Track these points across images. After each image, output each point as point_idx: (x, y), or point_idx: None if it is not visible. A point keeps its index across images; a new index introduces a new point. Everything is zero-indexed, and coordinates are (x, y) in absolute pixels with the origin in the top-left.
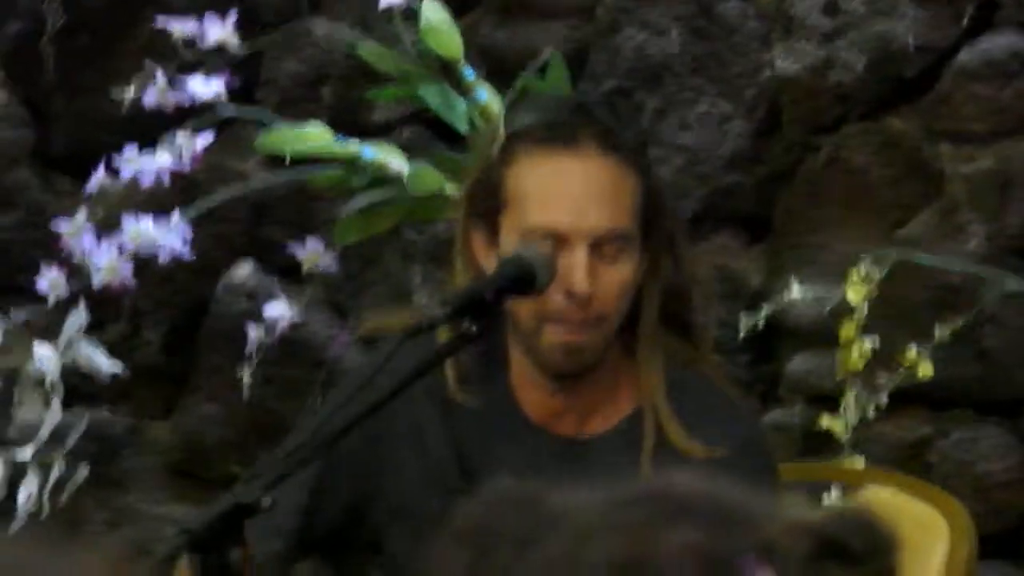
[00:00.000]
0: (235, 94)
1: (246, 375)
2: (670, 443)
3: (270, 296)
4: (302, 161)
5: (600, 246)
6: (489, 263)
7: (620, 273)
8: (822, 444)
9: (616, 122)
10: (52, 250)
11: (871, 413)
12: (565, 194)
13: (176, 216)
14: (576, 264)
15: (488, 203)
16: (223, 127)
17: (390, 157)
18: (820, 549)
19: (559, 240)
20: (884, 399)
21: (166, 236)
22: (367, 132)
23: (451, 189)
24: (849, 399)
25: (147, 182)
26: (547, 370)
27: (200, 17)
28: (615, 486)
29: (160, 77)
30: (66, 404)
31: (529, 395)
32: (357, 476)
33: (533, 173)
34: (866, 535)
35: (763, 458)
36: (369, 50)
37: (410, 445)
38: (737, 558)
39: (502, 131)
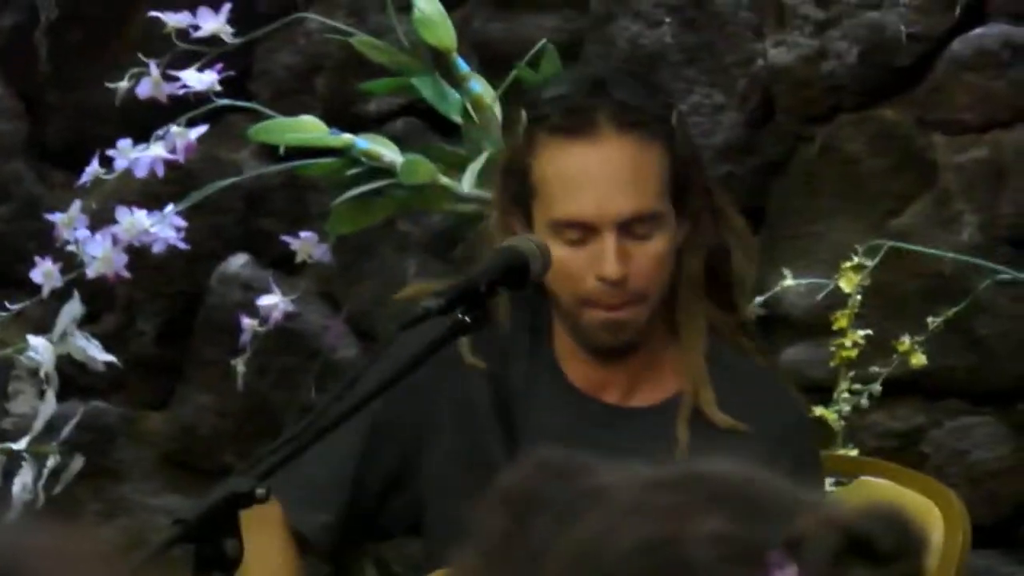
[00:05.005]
0: (229, 86)
1: (240, 366)
2: (709, 421)
3: (264, 287)
4: (296, 153)
5: (629, 226)
6: None
7: (653, 249)
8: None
9: (636, 94)
10: (46, 242)
11: (864, 403)
12: (586, 185)
13: (170, 207)
14: (606, 250)
15: (520, 191)
16: (217, 119)
17: (383, 148)
18: (847, 546)
19: (587, 228)
20: (877, 389)
21: (160, 227)
22: (361, 123)
23: (445, 180)
24: (842, 389)
25: (141, 174)
26: (591, 347)
27: (194, 9)
28: (657, 463)
29: (154, 69)
30: (61, 395)
31: (573, 366)
32: (402, 446)
33: (553, 165)
34: (896, 535)
35: (806, 444)
36: (362, 42)
37: (454, 414)
38: (765, 551)
39: (524, 115)
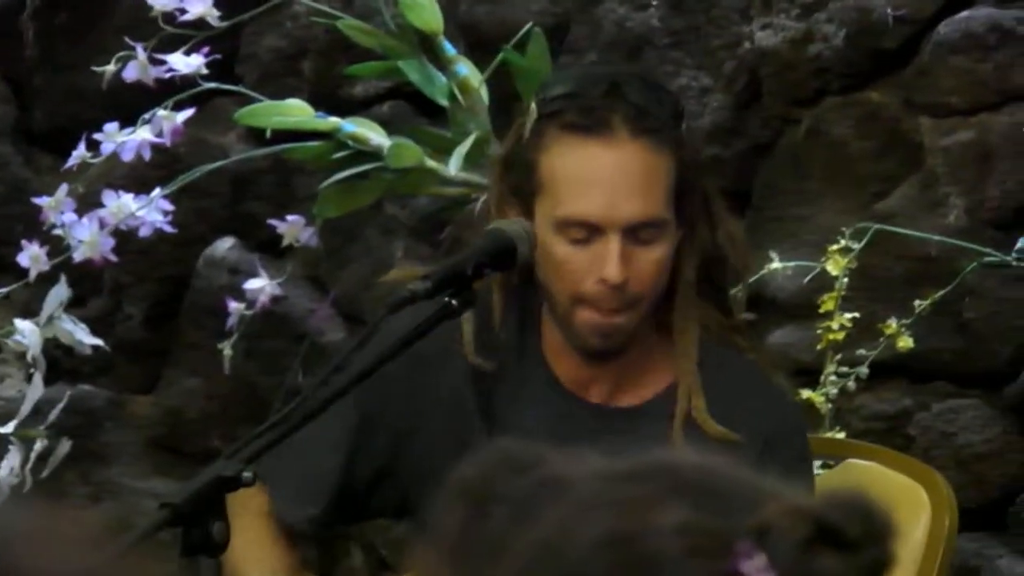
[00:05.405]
0: (215, 69)
1: (227, 349)
2: (699, 424)
3: (251, 271)
4: (282, 136)
5: (635, 231)
6: None
7: (655, 255)
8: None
9: (648, 98)
10: (33, 225)
11: (851, 385)
12: (597, 185)
13: (157, 191)
14: (609, 253)
15: (524, 185)
16: (203, 102)
17: (370, 132)
18: (815, 534)
19: (592, 229)
20: (864, 371)
21: (147, 211)
22: (348, 107)
23: (431, 163)
24: (829, 371)
25: (128, 157)
26: (581, 348)
27: None
28: (622, 456)
29: (140, 53)
30: (48, 379)
31: (561, 362)
32: (391, 436)
33: (565, 162)
34: (863, 522)
35: (797, 445)
36: (349, 25)
37: (440, 408)
38: (732, 541)
39: (534, 108)
